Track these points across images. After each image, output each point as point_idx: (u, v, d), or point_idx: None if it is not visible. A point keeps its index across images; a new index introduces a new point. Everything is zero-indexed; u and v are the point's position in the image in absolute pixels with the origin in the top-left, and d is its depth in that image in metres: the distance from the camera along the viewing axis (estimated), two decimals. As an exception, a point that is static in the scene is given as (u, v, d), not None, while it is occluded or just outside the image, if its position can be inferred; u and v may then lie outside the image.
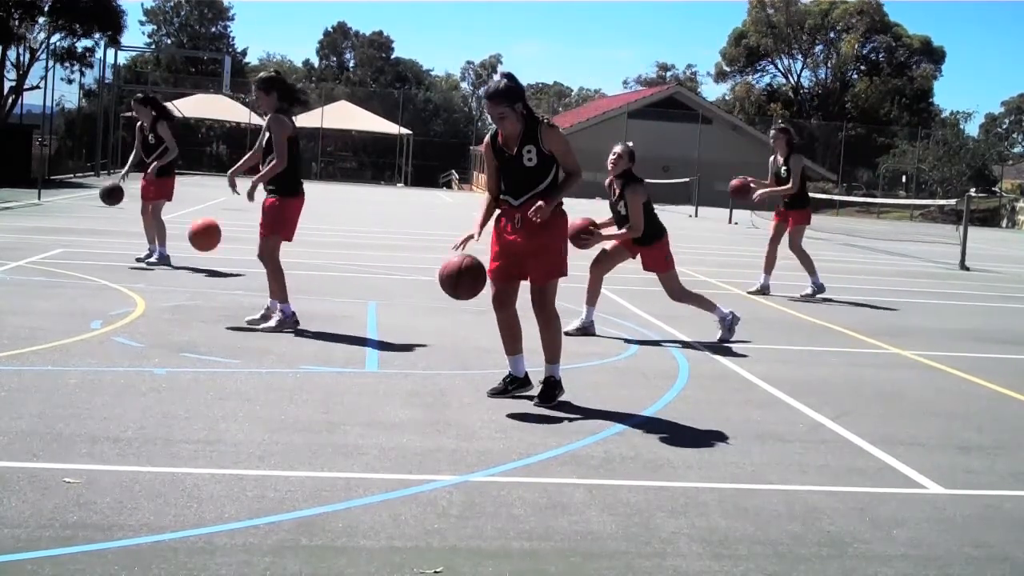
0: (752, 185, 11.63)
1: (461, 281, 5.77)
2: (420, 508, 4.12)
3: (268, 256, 7.80)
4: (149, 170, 11.51)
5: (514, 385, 6.00)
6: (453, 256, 5.82)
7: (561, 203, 5.82)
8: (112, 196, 12.10)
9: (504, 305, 5.93)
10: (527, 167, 5.70)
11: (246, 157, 8.59)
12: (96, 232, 14.82)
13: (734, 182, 11.73)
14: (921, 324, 10.27)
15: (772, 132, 11.73)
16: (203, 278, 10.52)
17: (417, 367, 6.81)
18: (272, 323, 7.73)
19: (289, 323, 7.76)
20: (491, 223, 5.98)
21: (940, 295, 13.15)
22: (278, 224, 7.80)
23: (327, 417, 5.40)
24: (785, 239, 11.61)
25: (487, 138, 5.88)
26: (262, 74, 7.90)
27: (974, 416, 6.33)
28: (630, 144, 8.65)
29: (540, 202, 5.62)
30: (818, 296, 11.47)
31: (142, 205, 11.64)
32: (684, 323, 9.23)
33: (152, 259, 11.33)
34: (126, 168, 12.25)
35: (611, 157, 8.36)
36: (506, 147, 5.76)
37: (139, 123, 11.78)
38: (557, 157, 5.74)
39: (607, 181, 8.48)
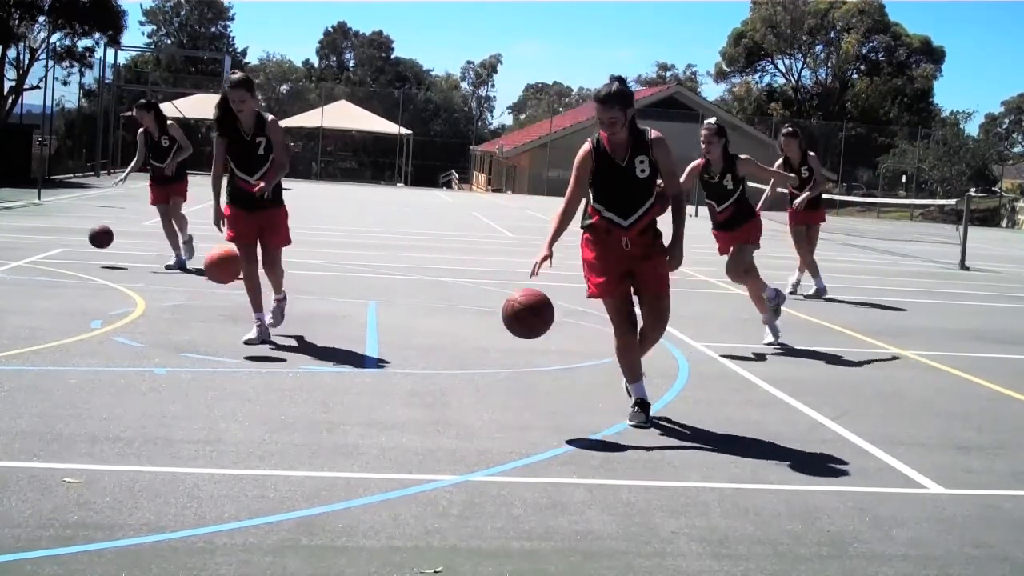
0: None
1: (532, 320, 5.34)
2: (420, 508, 4.12)
3: (279, 263, 7.50)
4: (167, 171, 11.38)
5: (648, 410, 5.63)
6: (517, 294, 5.39)
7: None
8: (99, 240, 11.50)
9: (631, 327, 5.57)
10: (640, 178, 5.40)
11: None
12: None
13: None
14: (921, 324, 10.27)
15: (783, 137, 11.22)
16: (203, 278, 10.51)
17: (417, 367, 6.81)
18: (254, 334, 7.17)
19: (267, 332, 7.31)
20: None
21: (940, 295, 13.15)
22: (287, 231, 7.46)
23: (327, 417, 5.40)
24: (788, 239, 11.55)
25: (588, 146, 5.46)
26: (243, 75, 7.13)
27: (974, 416, 6.33)
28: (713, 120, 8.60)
29: (669, 256, 5.53)
30: (823, 297, 11.45)
31: (160, 212, 11.39)
32: (684, 323, 9.23)
33: (171, 262, 11.17)
34: (127, 172, 12.19)
35: (705, 134, 8.33)
36: (614, 156, 5.42)
37: (142, 128, 11.66)
38: (663, 174, 5.49)
39: (699, 163, 8.28)
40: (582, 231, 5.56)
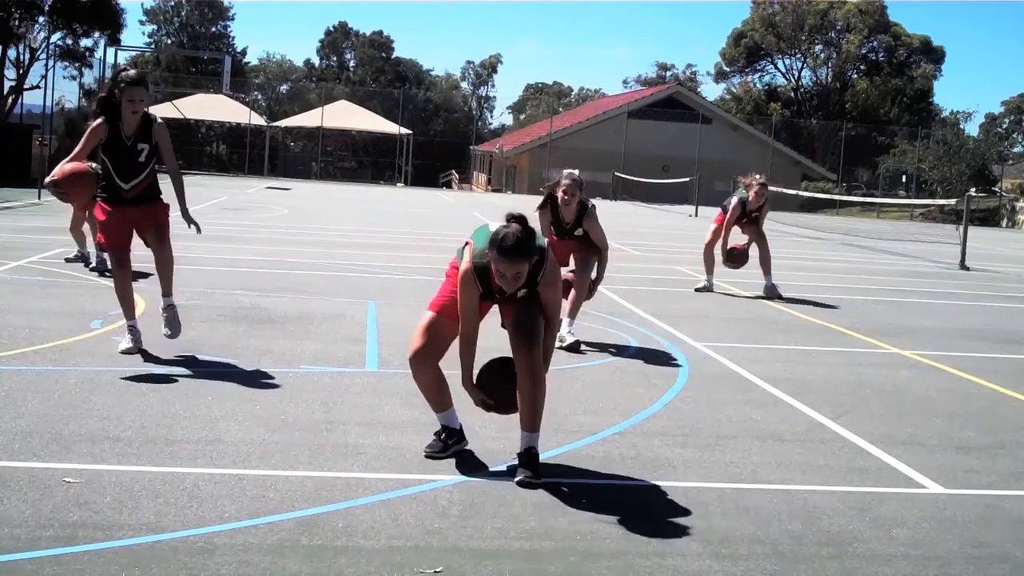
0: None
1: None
2: (420, 508, 4.12)
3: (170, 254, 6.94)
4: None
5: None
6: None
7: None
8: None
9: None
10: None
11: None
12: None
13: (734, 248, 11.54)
14: (921, 324, 10.27)
15: (757, 187, 11.41)
16: (203, 278, 10.51)
17: (417, 367, 6.80)
18: (128, 344, 6.65)
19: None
20: None
21: (940, 295, 13.15)
22: (167, 220, 6.87)
23: (327, 417, 5.40)
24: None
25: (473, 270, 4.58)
26: (140, 71, 6.59)
27: (974, 416, 6.33)
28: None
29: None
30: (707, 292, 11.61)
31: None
32: (684, 323, 9.23)
33: (85, 261, 10.73)
34: None
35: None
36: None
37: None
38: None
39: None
40: None
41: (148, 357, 6.59)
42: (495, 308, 4.88)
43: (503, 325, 4.78)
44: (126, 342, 6.64)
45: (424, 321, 4.77)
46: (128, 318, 6.70)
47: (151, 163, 6.57)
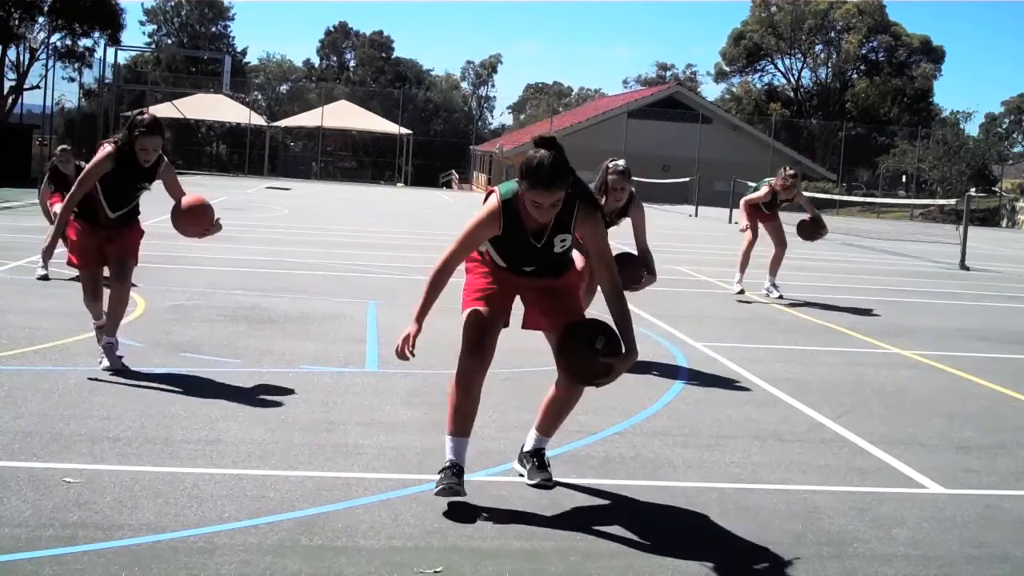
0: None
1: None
2: (420, 508, 4.12)
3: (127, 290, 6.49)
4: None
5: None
6: None
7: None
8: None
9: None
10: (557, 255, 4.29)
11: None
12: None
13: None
14: (921, 324, 10.26)
15: (788, 179, 11.11)
16: (203, 278, 10.51)
17: (417, 367, 6.80)
18: (109, 361, 6.21)
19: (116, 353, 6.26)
20: None
21: (940, 295, 13.15)
22: (137, 246, 6.54)
23: (327, 416, 5.40)
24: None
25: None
26: (154, 116, 6.21)
27: (974, 416, 6.33)
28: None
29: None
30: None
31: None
32: (684, 323, 9.23)
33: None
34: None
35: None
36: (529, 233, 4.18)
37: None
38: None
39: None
40: None
41: (148, 357, 6.59)
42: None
43: (525, 326, 4.39)
44: (105, 361, 6.19)
45: (472, 328, 4.14)
46: (108, 334, 6.21)
47: (142, 193, 6.34)
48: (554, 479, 4.48)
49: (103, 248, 6.28)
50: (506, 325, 4.31)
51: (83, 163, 11.63)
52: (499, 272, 4.29)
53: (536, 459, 4.51)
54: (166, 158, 6.34)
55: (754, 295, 10.94)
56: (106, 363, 6.19)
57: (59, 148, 11.80)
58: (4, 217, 16.81)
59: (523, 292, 4.33)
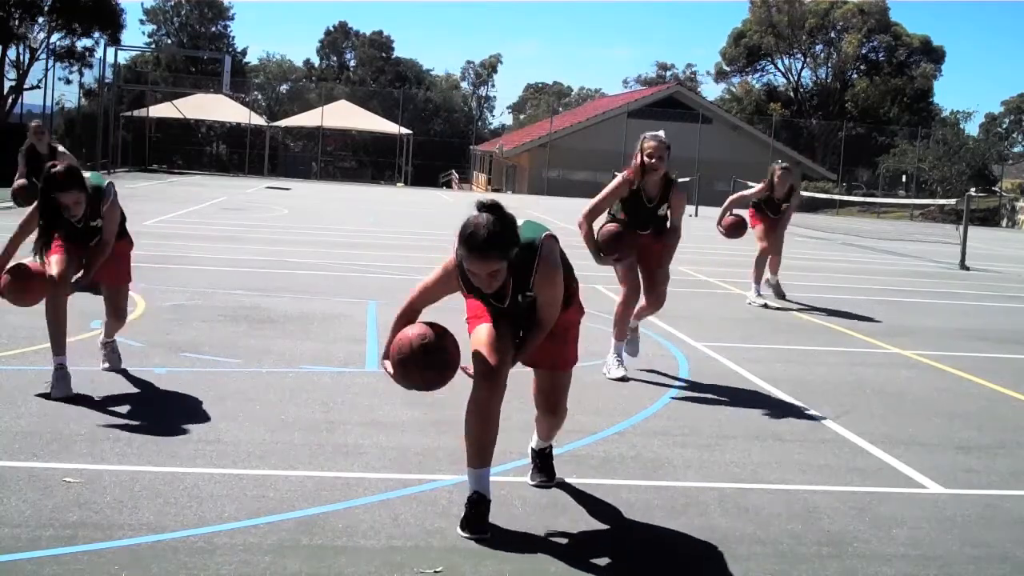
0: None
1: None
2: (420, 508, 4.12)
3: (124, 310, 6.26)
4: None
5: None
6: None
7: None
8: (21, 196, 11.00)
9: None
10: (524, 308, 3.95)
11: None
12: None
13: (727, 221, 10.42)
14: (921, 324, 10.26)
15: (779, 172, 10.89)
16: (203, 278, 10.51)
17: (417, 367, 6.80)
18: (60, 391, 5.49)
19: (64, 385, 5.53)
20: None
21: (940, 295, 13.15)
22: (126, 266, 6.24)
23: (327, 417, 5.40)
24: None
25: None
26: (68, 167, 5.49)
27: (974, 416, 6.33)
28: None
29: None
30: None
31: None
32: (684, 323, 9.23)
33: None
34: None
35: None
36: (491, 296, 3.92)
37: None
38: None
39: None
40: None
41: (148, 357, 6.59)
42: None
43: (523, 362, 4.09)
44: (59, 388, 5.47)
45: (482, 349, 3.88)
46: (56, 353, 5.56)
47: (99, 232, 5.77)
48: (556, 478, 4.50)
49: (90, 261, 5.78)
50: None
51: (59, 145, 11.71)
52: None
53: (539, 459, 4.51)
54: (111, 197, 5.68)
55: (772, 303, 10.89)
56: (106, 364, 6.17)
57: (33, 123, 11.79)
58: (4, 217, 16.81)
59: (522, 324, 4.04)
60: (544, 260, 3.79)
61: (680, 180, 6.74)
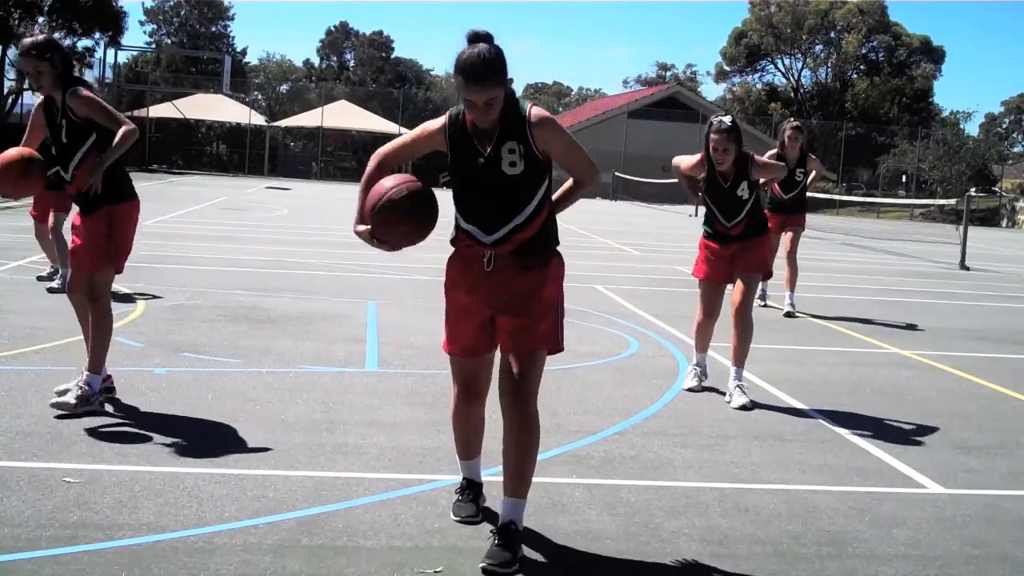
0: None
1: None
2: (420, 508, 4.12)
3: (103, 296, 5.30)
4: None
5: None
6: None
7: (556, 241, 3.86)
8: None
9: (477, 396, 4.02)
10: (510, 176, 3.66)
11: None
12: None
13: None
14: (921, 324, 10.26)
15: (790, 130, 10.18)
16: (203, 278, 10.51)
17: (417, 367, 6.81)
18: (71, 398, 5.07)
19: (96, 401, 5.15)
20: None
21: (940, 295, 13.15)
22: (117, 247, 5.37)
23: (327, 417, 5.40)
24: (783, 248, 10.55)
25: (443, 121, 3.77)
26: (35, 39, 5.26)
27: (974, 416, 6.33)
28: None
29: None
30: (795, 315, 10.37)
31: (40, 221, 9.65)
32: (684, 323, 9.22)
33: (55, 284, 8.99)
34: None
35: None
36: (476, 142, 3.69)
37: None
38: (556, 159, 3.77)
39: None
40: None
41: (148, 357, 6.59)
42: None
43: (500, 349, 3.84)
44: (68, 395, 5.10)
45: (459, 370, 3.93)
46: (89, 369, 5.23)
47: (81, 146, 5.28)
48: (512, 568, 3.53)
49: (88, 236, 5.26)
50: (495, 347, 3.86)
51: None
52: (470, 295, 3.80)
53: (500, 533, 3.63)
54: (83, 92, 5.28)
55: (797, 312, 10.83)
56: (66, 399, 5.10)
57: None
58: (4, 217, 16.80)
59: (498, 310, 3.75)
60: (538, 112, 3.68)
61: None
